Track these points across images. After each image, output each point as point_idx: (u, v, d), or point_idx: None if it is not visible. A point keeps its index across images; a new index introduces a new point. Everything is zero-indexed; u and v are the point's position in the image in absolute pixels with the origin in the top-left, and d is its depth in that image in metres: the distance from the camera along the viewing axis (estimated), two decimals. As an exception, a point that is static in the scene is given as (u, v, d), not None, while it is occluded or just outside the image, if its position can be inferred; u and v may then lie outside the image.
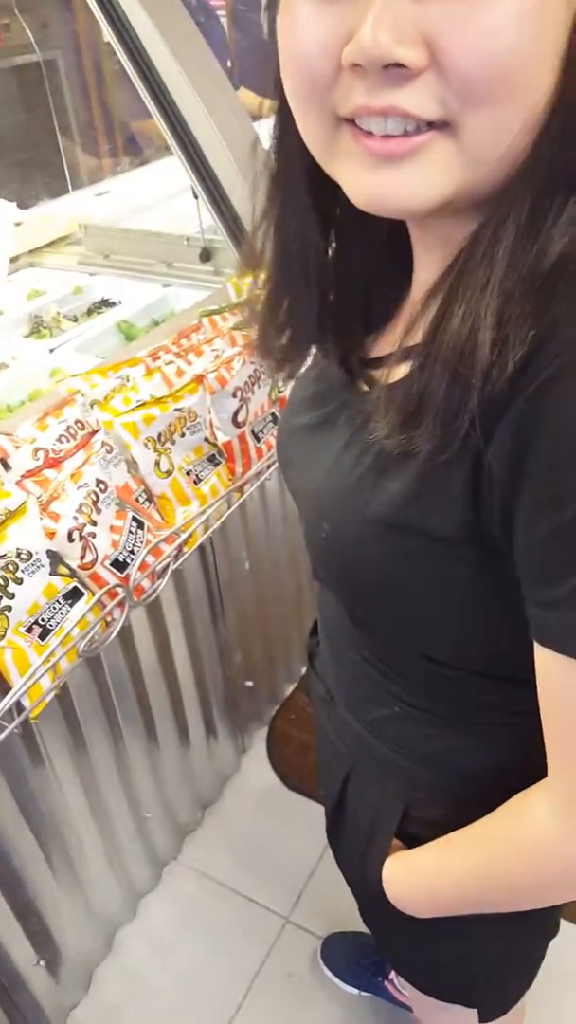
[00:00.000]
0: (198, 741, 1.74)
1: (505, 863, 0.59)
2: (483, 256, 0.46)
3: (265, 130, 0.60)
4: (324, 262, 0.61)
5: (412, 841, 0.72)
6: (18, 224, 2.18)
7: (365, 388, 0.61)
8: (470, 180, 0.45)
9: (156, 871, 1.73)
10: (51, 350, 1.64)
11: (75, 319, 1.83)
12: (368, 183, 0.46)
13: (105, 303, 1.89)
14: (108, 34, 1.56)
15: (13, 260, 2.11)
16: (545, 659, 0.49)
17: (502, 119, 0.42)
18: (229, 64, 3.52)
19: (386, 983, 1.50)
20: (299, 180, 0.56)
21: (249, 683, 1.96)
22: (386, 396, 0.51)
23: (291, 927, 1.67)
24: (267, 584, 1.88)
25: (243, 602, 1.81)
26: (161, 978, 1.59)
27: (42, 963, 1.37)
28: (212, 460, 1.24)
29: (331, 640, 0.77)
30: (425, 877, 0.68)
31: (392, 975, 1.49)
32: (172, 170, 2.61)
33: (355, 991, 1.54)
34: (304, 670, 2.20)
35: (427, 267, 0.57)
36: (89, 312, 1.86)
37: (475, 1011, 0.83)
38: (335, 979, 1.56)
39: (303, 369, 0.69)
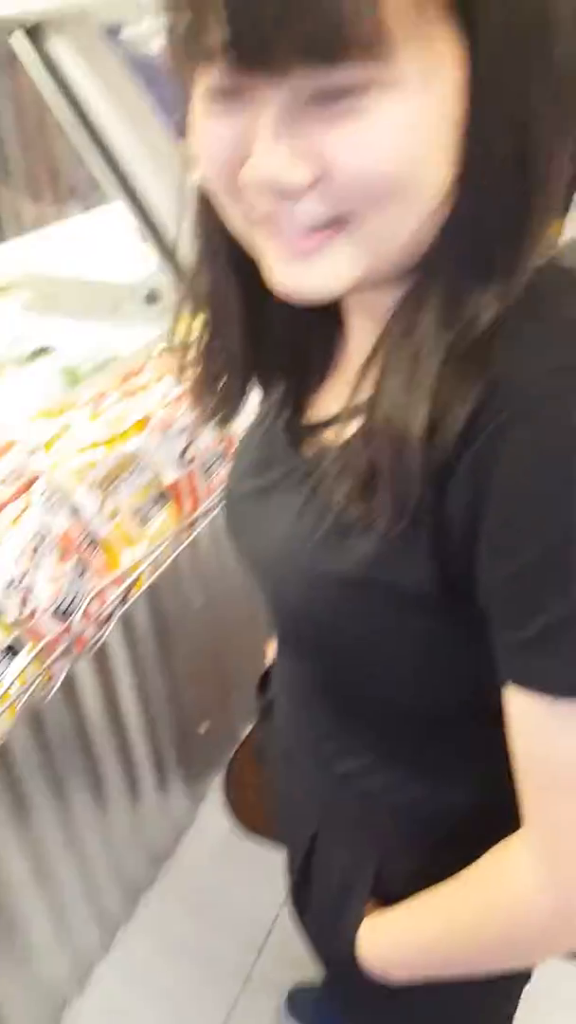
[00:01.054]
0: (150, 793, 1.69)
1: (484, 917, 0.57)
2: (408, 329, 0.48)
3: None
4: (251, 313, 0.61)
5: (387, 900, 0.69)
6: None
7: (311, 452, 0.61)
8: (377, 266, 0.48)
9: (108, 935, 1.65)
10: (-8, 396, 1.61)
11: (19, 364, 1.80)
12: (282, 276, 0.50)
13: (45, 350, 1.86)
14: (49, 91, 1.57)
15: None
16: (518, 702, 0.49)
17: (395, 218, 0.45)
18: (173, 118, 3.58)
19: None
20: (222, 245, 0.57)
21: (204, 726, 1.91)
22: (336, 465, 0.53)
23: (253, 983, 1.60)
24: (221, 620, 1.85)
25: (195, 641, 1.77)
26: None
27: (-14, 1040, 1.29)
28: (159, 500, 1.21)
29: (294, 697, 0.75)
30: (401, 938, 0.65)
31: None
32: (116, 216, 2.62)
33: None
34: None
35: (359, 331, 0.60)
36: (31, 358, 1.84)
37: None
38: None
39: (240, 422, 0.68)
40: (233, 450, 1.34)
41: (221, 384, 0.63)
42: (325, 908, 0.76)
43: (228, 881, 1.77)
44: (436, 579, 0.50)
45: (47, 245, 2.55)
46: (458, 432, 0.45)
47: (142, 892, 1.74)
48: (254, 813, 1.92)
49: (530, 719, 0.49)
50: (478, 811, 0.61)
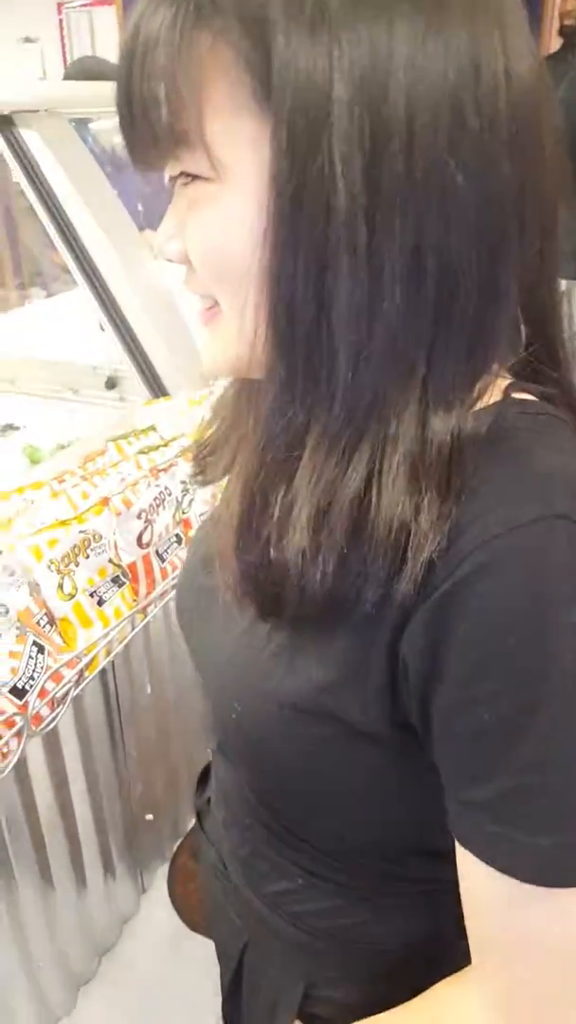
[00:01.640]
0: (95, 881, 1.65)
1: None
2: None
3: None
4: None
5: (314, 1020, 0.68)
6: None
7: None
8: (248, 353, 0.50)
9: (47, 1030, 1.58)
10: (-47, 473, 1.63)
11: (-21, 442, 1.83)
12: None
13: (10, 427, 1.90)
14: (21, 180, 1.66)
15: None
16: (469, 861, 0.47)
17: (233, 298, 0.49)
18: (140, 207, 3.75)
19: None
20: None
21: (149, 816, 1.88)
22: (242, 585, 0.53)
23: None
24: (170, 710, 1.85)
25: (145, 729, 1.77)
26: None
27: None
28: (116, 581, 1.24)
29: (227, 806, 0.72)
30: None
31: None
32: (78, 302, 2.71)
33: None
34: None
35: None
36: (-5, 435, 1.88)
37: None
38: None
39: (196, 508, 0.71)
40: (190, 535, 1.38)
41: (213, 456, 0.66)
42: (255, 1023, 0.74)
43: (171, 976, 1.72)
44: (385, 717, 0.49)
45: (11, 327, 2.61)
46: (413, 579, 0.44)
47: (83, 984, 1.68)
48: (198, 909, 1.88)
49: (484, 888, 0.47)
50: (416, 943, 0.60)
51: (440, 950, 0.54)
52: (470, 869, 0.47)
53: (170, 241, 0.51)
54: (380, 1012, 0.58)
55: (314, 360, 0.45)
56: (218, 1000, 1.64)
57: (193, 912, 1.87)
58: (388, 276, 0.43)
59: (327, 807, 0.58)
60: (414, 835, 0.57)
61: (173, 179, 0.50)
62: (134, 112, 0.46)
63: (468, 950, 0.51)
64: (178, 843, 2.02)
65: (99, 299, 1.70)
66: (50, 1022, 1.59)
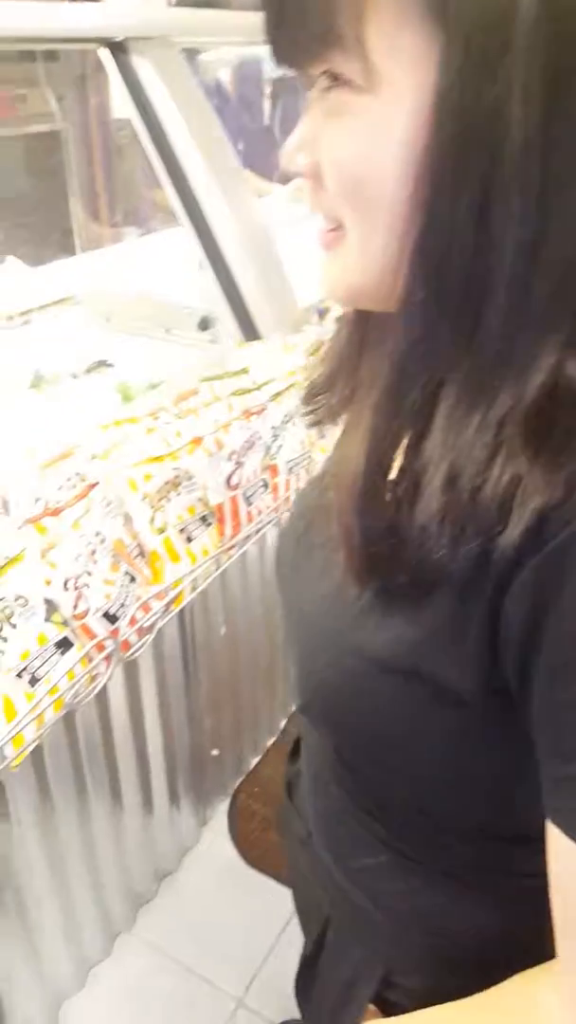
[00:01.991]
0: (161, 809, 1.71)
1: None
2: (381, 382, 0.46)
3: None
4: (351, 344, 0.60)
5: (389, 1007, 0.66)
6: (24, 282, 2.23)
7: None
8: (374, 282, 0.47)
9: (108, 941, 1.66)
10: (50, 405, 1.67)
11: (74, 377, 1.86)
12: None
13: (103, 364, 1.93)
14: (131, 109, 1.65)
15: (18, 316, 2.15)
16: (560, 841, 0.44)
17: (365, 223, 0.45)
18: (240, 147, 3.72)
19: None
20: None
21: (215, 752, 1.93)
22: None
23: (244, 1011, 1.61)
24: (241, 652, 1.88)
25: (216, 668, 1.81)
26: (106, 1057, 1.52)
27: (-15, 1033, 1.31)
28: (204, 520, 1.26)
29: (316, 774, 0.70)
30: None
31: None
32: (176, 240, 2.71)
33: None
34: (270, 743, 2.18)
35: None
36: (88, 371, 1.90)
37: None
38: None
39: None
40: (275, 481, 1.39)
41: (323, 396, 0.63)
42: (326, 1002, 0.72)
43: (227, 907, 1.78)
44: (481, 680, 0.46)
45: (106, 264, 2.63)
46: (524, 530, 0.41)
47: (144, 904, 1.76)
48: (256, 846, 1.93)
49: (572, 864, 0.44)
50: (501, 934, 0.58)
51: (524, 951, 0.51)
52: (561, 848, 0.44)
53: (300, 152, 0.47)
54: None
55: (466, 303, 0.42)
56: (271, 935, 1.70)
57: (252, 849, 1.92)
58: (558, 220, 0.39)
59: (407, 772, 0.55)
60: (493, 815, 0.55)
61: (312, 81, 0.45)
62: (286, 7, 0.42)
63: (555, 951, 0.47)
64: (240, 780, 2.08)
65: (200, 236, 1.70)
66: (111, 935, 1.67)
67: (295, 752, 0.83)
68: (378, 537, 0.46)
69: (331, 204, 0.47)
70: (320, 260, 0.51)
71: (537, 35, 0.36)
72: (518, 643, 0.43)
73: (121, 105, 4.17)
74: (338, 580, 0.52)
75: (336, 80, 0.43)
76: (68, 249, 3.89)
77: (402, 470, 0.46)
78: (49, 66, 3.78)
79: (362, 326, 0.58)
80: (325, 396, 0.64)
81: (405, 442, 0.46)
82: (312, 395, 0.65)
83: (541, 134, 0.38)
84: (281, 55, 0.45)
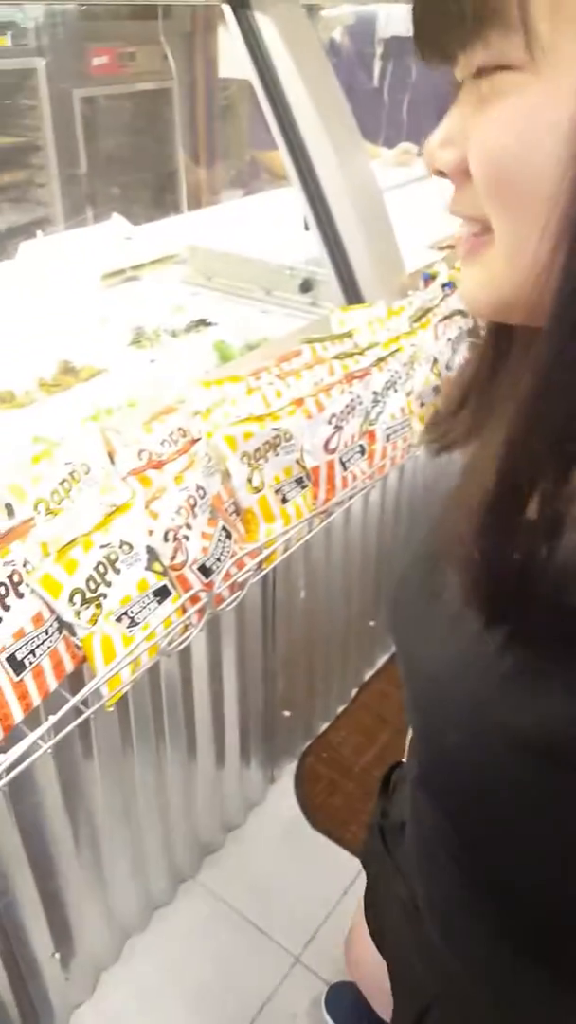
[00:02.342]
0: (232, 763, 1.75)
1: None
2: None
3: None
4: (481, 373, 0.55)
5: None
6: (128, 239, 2.25)
7: None
8: (521, 294, 0.41)
9: (173, 886, 1.72)
10: (151, 361, 1.69)
11: (174, 334, 1.88)
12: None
13: (204, 322, 1.94)
14: (248, 66, 1.63)
15: (120, 273, 2.18)
16: None
17: (516, 223, 0.40)
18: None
19: None
20: None
21: (287, 713, 1.96)
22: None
23: (300, 968, 1.64)
24: (318, 618, 1.89)
25: (293, 632, 1.82)
26: (165, 994, 1.57)
27: (57, 956, 1.37)
28: (299, 482, 1.26)
29: (427, 849, 0.62)
30: None
31: None
32: (280, 201, 2.69)
33: None
34: (340, 710, 2.19)
35: None
36: (188, 329, 1.91)
37: None
38: None
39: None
40: (373, 448, 1.38)
41: (452, 420, 0.57)
42: None
43: (289, 865, 1.81)
44: None
45: (209, 223, 2.64)
46: None
47: (209, 854, 1.80)
48: (321, 809, 1.96)
49: None
50: None
51: None
52: None
53: (446, 147, 0.42)
54: None
55: None
56: (332, 898, 1.73)
57: (316, 811, 1.95)
58: None
59: (538, 864, 0.48)
60: None
61: (462, 71, 0.41)
62: None
63: None
64: (309, 744, 2.10)
65: (309, 197, 1.68)
66: (176, 880, 1.73)
67: (384, 788, 0.75)
68: (506, 567, 0.40)
69: (478, 204, 0.42)
70: (462, 269, 0.47)
71: None
72: None
73: (228, 64, 4.15)
74: (475, 634, 0.44)
75: (491, 64, 0.38)
76: (173, 208, 3.92)
77: (543, 500, 0.39)
78: (161, 24, 3.78)
79: (500, 341, 0.53)
80: (454, 420, 0.57)
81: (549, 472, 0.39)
82: (439, 419, 0.59)
83: None
84: (426, 40, 0.41)
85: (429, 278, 1.63)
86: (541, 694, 0.40)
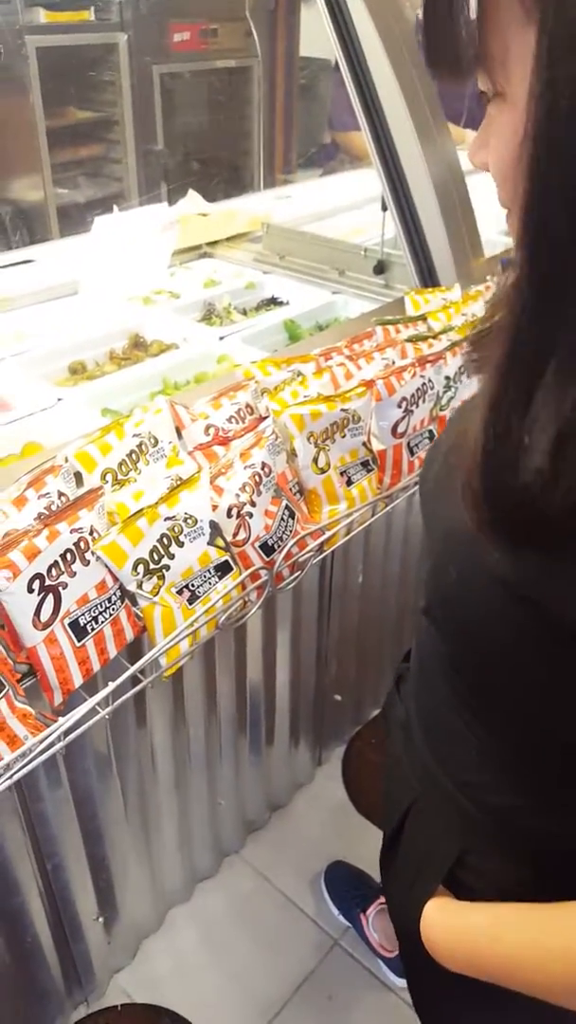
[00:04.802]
0: (281, 743, 1.75)
1: (559, 964, 0.56)
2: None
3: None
4: None
5: (459, 886, 0.71)
6: (204, 216, 2.26)
7: None
8: None
9: (217, 860, 1.74)
10: (220, 338, 1.69)
11: (245, 312, 1.88)
12: None
13: (275, 301, 1.93)
14: (334, 46, 1.61)
15: (194, 249, 2.19)
16: None
17: (511, 211, 0.50)
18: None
19: (361, 916, 1.66)
20: None
21: (337, 697, 1.95)
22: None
23: (339, 951, 1.64)
24: (374, 603, 1.88)
25: (348, 617, 1.81)
26: (204, 965, 1.60)
27: (101, 919, 1.40)
28: (365, 465, 1.24)
29: (423, 668, 0.76)
30: (473, 939, 0.64)
31: (369, 911, 1.66)
32: (357, 182, 2.66)
33: (337, 912, 1.69)
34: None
35: None
36: (258, 308, 1.91)
37: None
38: (329, 901, 1.70)
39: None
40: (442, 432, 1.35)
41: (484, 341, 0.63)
42: (405, 876, 0.78)
43: (333, 847, 1.81)
44: None
45: (287, 202, 2.62)
46: None
47: (254, 831, 1.82)
48: (367, 794, 1.95)
49: None
50: (571, 840, 0.60)
51: None
52: None
53: (479, 151, 0.53)
54: (520, 897, 0.60)
55: (563, 280, 0.44)
56: (370, 876, 1.73)
57: (362, 796, 1.95)
58: None
59: (510, 687, 0.59)
60: None
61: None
62: (435, 39, 0.48)
63: None
64: (358, 729, 2.10)
65: (389, 177, 1.65)
66: (220, 854, 1.75)
67: (408, 656, 0.88)
68: (496, 496, 0.49)
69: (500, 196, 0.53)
70: None
71: None
72: None
73: (309, 43, 4.10)
74: None
75: (487, 90, 0.49)
76: (249, 186, 3.91)
77: (516, 432, 0.48)
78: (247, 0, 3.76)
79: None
80: (486, 343, 0.63)
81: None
82: (474, 342, 0.65)
83: None
84: (441, 77, 0.51)
85: (508, 263, 1.59)
86: (523, 553, 0.51)
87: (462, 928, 0.65)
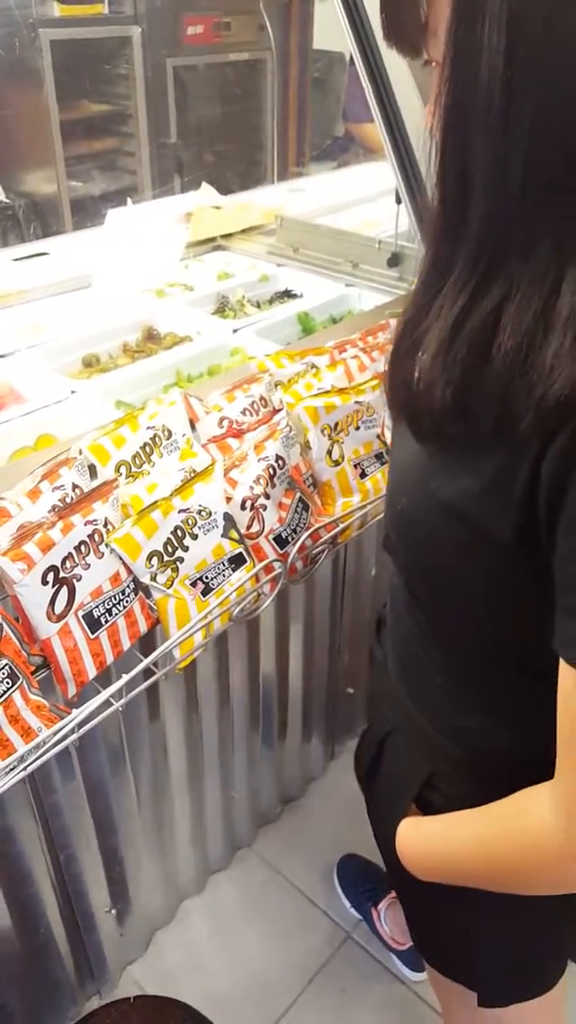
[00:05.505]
0: (293, 736, 1.75)
1: (504, 844, 0.64)
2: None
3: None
4: None
5: (429, 807, 0.78)
6: (218, 208, 2.25)
7: None
8: None
9: (229, 852, 1.74)
10: (234, 330, 1.68)
11: (258, 305, 1.87)
12: None
13: (288, 294, 1.92)
14: (348, 37, 1.59)
15: (208, 241, 2.18)
16: (563, 666, 0.54)
17: None
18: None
19: (373, 909, 1.66)
20: None
21: (350, 690, 1.95)
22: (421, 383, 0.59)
23: (352, 944, 1.64)
24: (387, 597, 1.87)
25: (361, 610, 1.81)
26: (217, 957, 1.60)
27: (114, 911, 1.41)
28: (379, 458, 1.24)
29: (393, 608, 0.82)
30: (432, 843, 0.73)
31: (381, 905, 1.65)
32: (371, 175, 2.65)
33: (349, 906, 1.69)
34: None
35: None
36: (272, 300, 1.90)
37: (475, 993, 0.86)
38: (341, 894, 1.70)
39: None
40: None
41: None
42: (383, 802, 0.85)
43: (346, 841, 1.81)
44: (520, 527, 0.54)
45: (301, 194, 2.61)
46: (557, 401, 0.49)
47: (266, 824, 1.82)
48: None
49: (566, 686, 0.55)
50: (527, 760, 0.64)
51: (540, 773, 0.60)
52: (563, 673, 0.54)
53: (427, 117, 0.56)
54: None
55: (459, 202, 0.52)
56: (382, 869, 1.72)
57: (374, 790, 1.95)
58: (517, 135, 0.48)
59: (460, 606, 0.66)
60: (526, 650, 0.63)
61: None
62: (387, 12, 0.58)
63: None
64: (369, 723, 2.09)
65: (403, 168, 1.64)
66: (232, 847, 1.75)
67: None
68: (398, 390, 0.61)
69: None
70: None
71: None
72: (546, 499, 0.52)
73: (323, 35, 4.08)
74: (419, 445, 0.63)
75: (429, 62, 0.57)
76: (262, 178, 3.89)
77: (417, 335, 0.58)
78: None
79: None
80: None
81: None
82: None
83: (503, 67, 0.48)
84: (396, 47, 0.59)
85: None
86: (457, 476, 0.58)
87: (424, 837, 0.74)
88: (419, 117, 1.61)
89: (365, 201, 2.44)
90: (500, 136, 0.49)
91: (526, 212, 0.51)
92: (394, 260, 1.88)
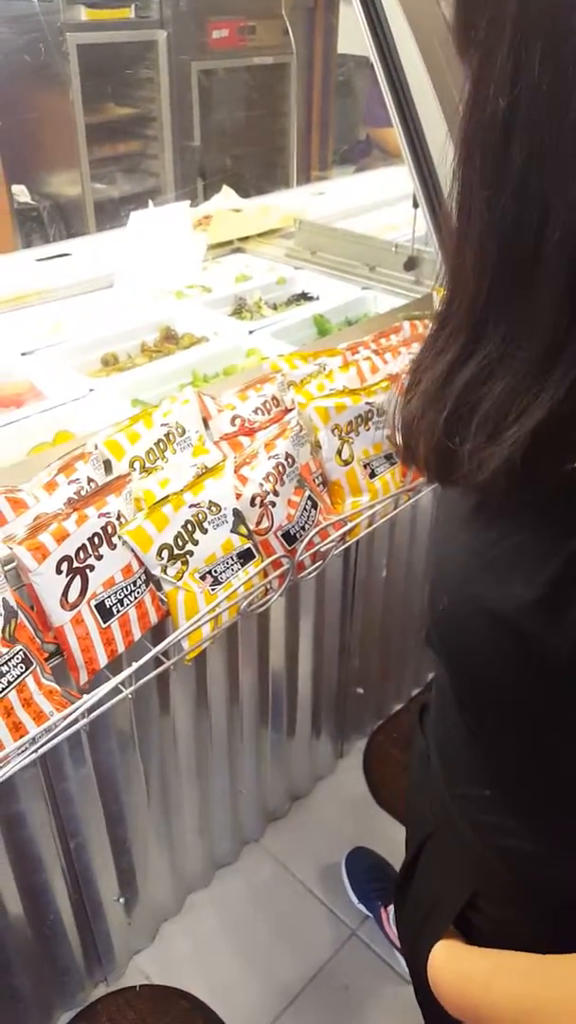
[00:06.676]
0: (302, 733, 1.77)
1: (545, 1016, 0.54)
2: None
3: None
4: None
5: (472, 929, 0.69)
6: (237, 211, 2.28)
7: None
8: None
9: (237, 846, 1.76)
10: (250, 332, 1.71)
11: (275, 307, 1.89)
12: None
13: (305, 296, 1.94)
14: (367, 42, 1.61)
15: (226, 244, 2.21)
16: None
17: None
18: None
19: (382, 910, 1.66)
20: None
21: (360, 690, 1.97)
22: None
23: (356, 941, 1.66)
24: (398, 597, 1.88)
25: (372, 610, 1.82)
26: (222, 949, 1.62)
27: (122, 900, 1.43)
28: (389, 459, 1.25)
29: (440, 705, 0.75)
30: (470, 986, 0.63)
31: (390, 906, 1.63)
32: (389, 180, 2.67)
33: (356, 899, 1.70)
34: (414, 694, 2.19)
35: None
36: (289, 302, 1.92)
37: None
38: (348, 886, 1.71)
39: None
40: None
41: None
42: (415, 913, 0.77)
43: (353, 839, 1.82)
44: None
45: (320, 198, 2.64)
46: None
47: (274, 820, 1.84)
48: (387, 787, 1.96)
49: None
50: None
51: None
52: None
53: None
54: (534, 951, 0.56)
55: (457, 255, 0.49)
56: (391, 867, 1.74)
57: (383, 789, 1.96)
58: (507, 180, 0.44)
59: (507, 722, 0.58)
60: None
61: None
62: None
63: None
64: (380, 723, 2.11)
65: (420, 173, 1.65)
66: (240, 841, 1.77)
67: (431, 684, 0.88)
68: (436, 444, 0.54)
69: None
70: None
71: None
72: None
73: (347, 40, 4.10)
74: (476, 531, 0.56)
75: None
76: (283, 182, 3.92)
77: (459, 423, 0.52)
78: (284, -3, 3.77)
79: None
80: None
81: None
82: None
83: (506, 106, 0.43)
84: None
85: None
86: (509, 580, 0.51)
87: (464, 974, 0.64)
88: (437, 122, 1.62)
89: (384, 205, 2.46)
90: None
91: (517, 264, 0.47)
92: (411, 264, 1.90)
